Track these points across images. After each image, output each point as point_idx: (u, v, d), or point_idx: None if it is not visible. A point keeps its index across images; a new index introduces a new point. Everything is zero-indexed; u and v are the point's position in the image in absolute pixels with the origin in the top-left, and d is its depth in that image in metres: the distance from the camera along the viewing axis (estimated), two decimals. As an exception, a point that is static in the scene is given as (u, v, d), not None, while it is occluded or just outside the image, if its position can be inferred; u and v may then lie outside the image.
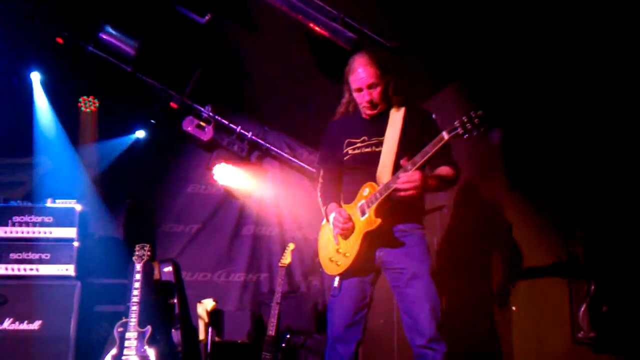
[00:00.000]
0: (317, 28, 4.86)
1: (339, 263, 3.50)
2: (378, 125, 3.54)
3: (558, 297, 4.09)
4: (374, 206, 3.36)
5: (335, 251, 3.54)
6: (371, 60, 3.48)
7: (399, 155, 3.38)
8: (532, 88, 4.27)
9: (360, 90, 3.49)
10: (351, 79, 3.52)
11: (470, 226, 4.58)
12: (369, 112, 3.55)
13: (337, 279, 3.54)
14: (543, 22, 4.14)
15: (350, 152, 3.58)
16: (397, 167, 3.36)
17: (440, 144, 3.15)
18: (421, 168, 3.23)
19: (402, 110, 3.53)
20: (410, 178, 3.19)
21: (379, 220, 3.35)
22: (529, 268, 4.10)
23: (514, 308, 4.05)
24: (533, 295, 4.08)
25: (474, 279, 4.51)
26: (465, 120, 3.05)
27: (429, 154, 3.17)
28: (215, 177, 6.80)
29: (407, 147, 3.38)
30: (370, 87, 3.46)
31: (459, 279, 4.67)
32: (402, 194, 3.23)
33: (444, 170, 3.45)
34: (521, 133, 4.24)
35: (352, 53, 3.66)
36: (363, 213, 3.42)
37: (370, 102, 3.49)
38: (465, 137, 3.07)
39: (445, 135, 3.13)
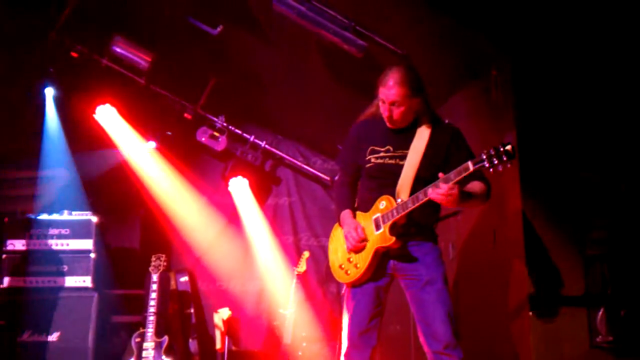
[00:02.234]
0: (329, 37, 4.89)
1: (348, 272, 3.50)
2: (404, 137, 3.52)
3: (575, 301, 4.06)
4: (389, 223, 3.36)
5: (346, 259, 3.53)
6: (404, 79, 3.40)
7: (420, 172, 3.40)
8: (547, 92, 4.27)
9: (383, 102, 3.47)
10: (380, 89, 3.48)
11: (487, 231, 4.56)
12: (388, 124, 3.54)
13: (344, 286, 3.55)
14: (564, 22, 4.14)
15: (373, 160, 3.54)
16: (416, 183, 3.37)
17: (465, 174, 3.16)
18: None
19: (430, 127, 3.50)
20: (450, 191, 3.17)
21: (393, 239, 3.35)
22: (545, 272, 4.08)
23: (530, 313, 4.04)
24: (550, 299, 4.06)
25: (491, 284, 4.49)
26: (493, 153, 3.08)
27: (452, 182, 3.18)
28: (229, 189, 6.83)
29: (430, 165, 3.40)
30: (392, 104, 3.42)
31: (475, 285, 4.66)
32: (438, 200, 3.23)
33: (476, 186, 3.41)
34: (536, 138, 4.23)
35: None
36: (378, 227, 3.41)
37: (389, 118, 3.46)
38: (490, 170, 3.10)
39: (470, 166, 3.14)
